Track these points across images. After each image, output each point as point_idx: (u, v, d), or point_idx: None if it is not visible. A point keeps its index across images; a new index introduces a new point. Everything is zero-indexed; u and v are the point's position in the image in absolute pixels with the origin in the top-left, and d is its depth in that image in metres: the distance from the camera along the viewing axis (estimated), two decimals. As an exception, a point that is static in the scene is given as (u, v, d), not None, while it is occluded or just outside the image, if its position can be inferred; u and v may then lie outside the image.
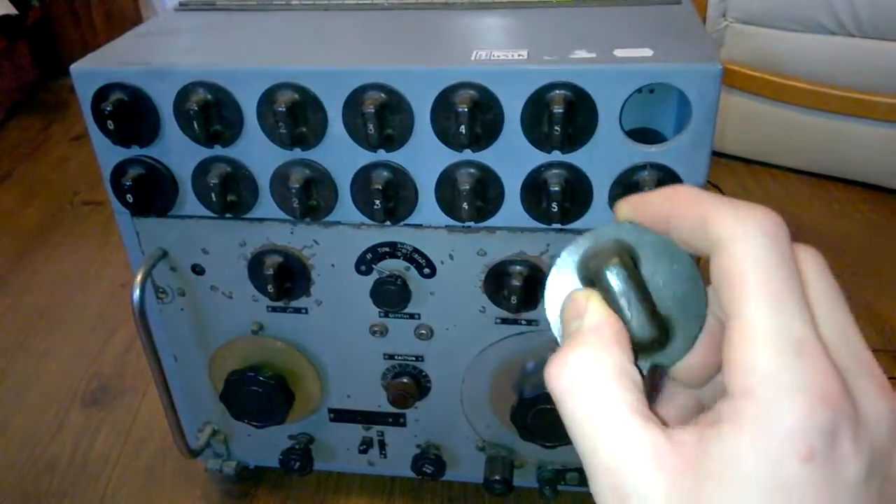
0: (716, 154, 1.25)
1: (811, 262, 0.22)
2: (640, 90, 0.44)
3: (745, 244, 0.20)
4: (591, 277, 0.24)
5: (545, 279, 0.25)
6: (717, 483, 0.19)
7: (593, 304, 0.23)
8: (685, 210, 0.22)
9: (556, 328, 0.25)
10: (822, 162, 1.16)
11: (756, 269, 0.20)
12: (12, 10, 1.59)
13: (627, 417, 0.20)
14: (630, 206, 0.24)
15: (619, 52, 0.44)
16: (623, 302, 0.23)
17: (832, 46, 1.06)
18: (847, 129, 1.10)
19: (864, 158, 1.11)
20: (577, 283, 0.25)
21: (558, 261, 0.25)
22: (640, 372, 0.22)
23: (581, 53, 0.45)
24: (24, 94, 1.72)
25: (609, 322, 0.22)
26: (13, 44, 1.68)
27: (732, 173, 1.23)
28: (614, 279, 0.23)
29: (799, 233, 1.10)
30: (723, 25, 1.15)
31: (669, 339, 0.24)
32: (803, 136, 1.15)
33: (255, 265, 0.55)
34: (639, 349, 0.23)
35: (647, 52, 0.44)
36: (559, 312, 0.25)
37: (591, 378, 0.21)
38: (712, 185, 1.14)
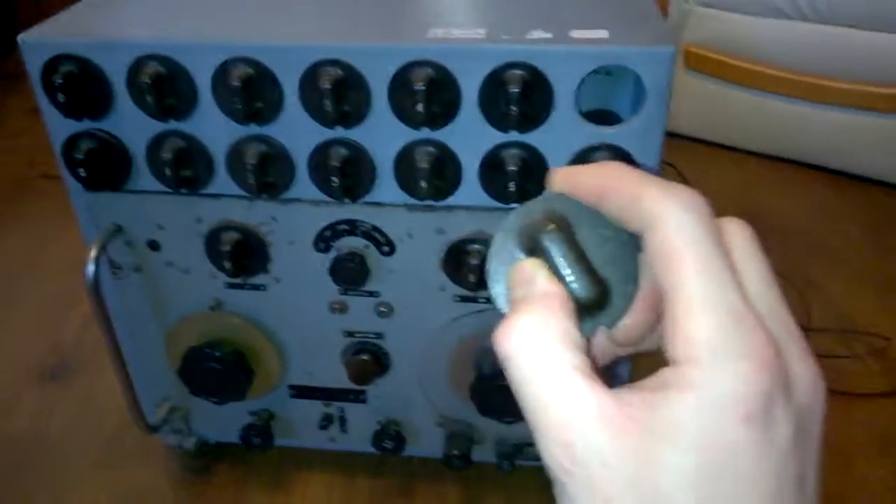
0: (676, 136, 1.27)
1: (739, 233, 0.23)
2: (597, 71, 0.45)
3: (676, 221, 0.21)
4: (532, 246, 0.25)
5: (485, 256, 0.26)
6: (662, 443, 0.20)
7: (539, 272, 0.24)
8: (617, 188, 0.23)
9: (500, 301, 0.26)
10: (781, 145, 1.18)
11: (689, 244, 0.21)
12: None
13: (573, 377, 0.21)
14: (562, 177, 0.25)
15: (575, 34, 0.45)
16: (562, 264, 0.24)
17: (792, 31, 1.08)
18: (805, 113, 1.11)
19: (821, 142, 1.13)
20: (519, 255, 0.26)
21: (497, 237, 0.26)
22: (587, 336, 0.23)
23: (538, 33, 0.45)
24: (-21, 63, 1.67)
25: (553, 289, 0.24)
26: (-33, 11, 1.63)
27: (693, 155, 1.24)
28: (552, 244, 0.24)
29: (755, 214, 1.12)
30: (686, 8, 1.16)
31: (608, 301, 0.25)
32: (763, 120, 1.16)
33: (212, 241, 0.54)
34: (583, 310, 0.25)
35: (603, 34, 0.44)
36: (503, 284, 0.26)
37: (537, 341, 0.22)
38: (669, 166, 1.15)
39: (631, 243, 0.25)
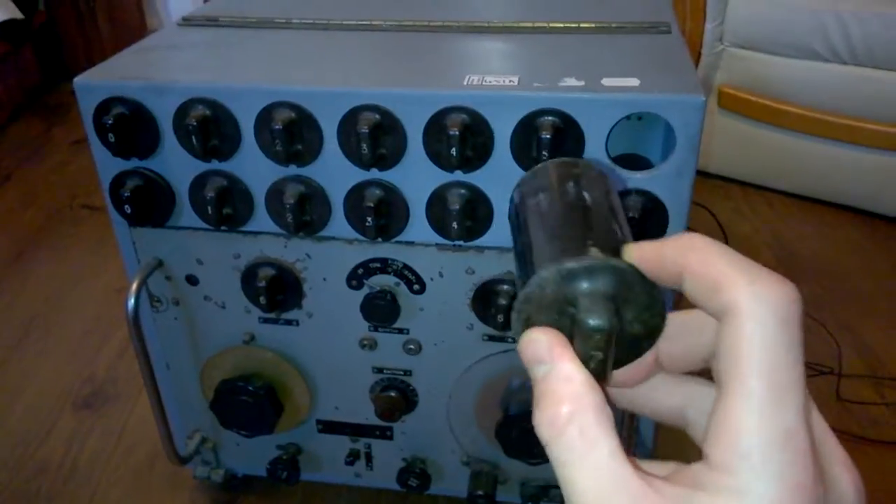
0: (710, 176, 1.27)
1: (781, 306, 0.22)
2: (628, 117, 0.45)
3: (757, 324, 0.20)
4: (573, 302, 0.24)
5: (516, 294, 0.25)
6: None
7: (567, 360, 0.23)
8: (699, 269, 0.22)
9: (514, 328, 0.25)
10: (814, 186, 1.18)
11: (764, 353, 0.20)
12: (18, 14, 1.61)
13: (611, 465, 0.21)
14: (641, 254, 0.24)
15: (606, 81, 0.46)
16: (592, 353, 0.23)
17: (826, 73, 1.08)
18: (838, 154, 1.11)
19: (854, 183, 1.13)
20: (550, 316, 0.24)
21: (547, 273, 0.24)
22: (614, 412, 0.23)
23: (570, 81, 0.46)
24: (27, 97, 1.74)
25: (584, 373, 0.23)
26: (18, 48, 1.70)
27: (726, 196, 1.24)
28: (596, 336, 0.23)
29: (787, 255, 1.11)
30: (719, 49, 1.17)
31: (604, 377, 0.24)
32: (796, 161, 1.16)
33: (249, 277, 0.56)
34: None
35: (634, 82, 0.45)
36: (521, 323, 0.24)
37: (575, 428, 0.21)
38: (702, 207, 1.16)
39: (661, 326, 0.24)
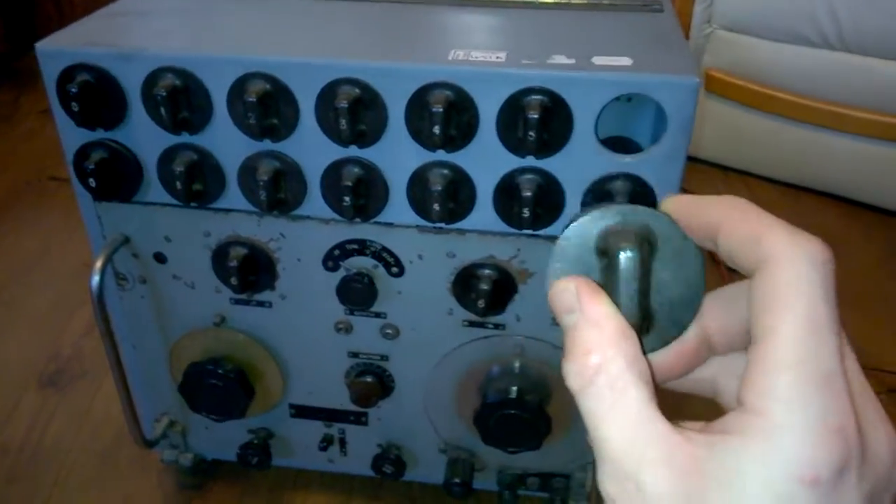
0: (692, 160, 1.26)
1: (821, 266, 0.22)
2: (617, 98, 0.44)
3: (795, 268, 0.21)
4: (605, 249, 0.24)
5: (566, 228, 0.24)
6: (720, 489, 0.19)
7: (600, 301, 0.23)
8: (739, 223, 0.22)
9: (551, 275, 0.25)
10: (797, 173, 1.18)
11: (801, 294, 0.20)
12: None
13: (641, 413, 0.21)
14: (679, 205, 0.24)
15: (597, 60, 0.44)
16: (623, 287, 0.23)
17: (814, 59, 1.07)
18: (824, 141, 1.11)
19: (838, 171, 1.13)
20: (589, 257, 0.24)
21: (583, 219, 0.24)
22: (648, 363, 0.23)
23: (560, 59, 0.44)
24: (-6, 63, 1.68)
25: (616, 319, 0.22)
26: (-16, 11, 1.64)
27: (709, 180, 1.23)
28: (627, 264, 0.23)
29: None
30: (707, 31, 1.16)
31: (645, 333, 0.24)
32: (780, 146, 1.16)
33: (220, 256, 0.53)
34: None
35: (626, 62, 0.44)
36: (560, 268, 0.25)
37: (606, 377, 0.21)
38: (684, 191, 1.15)
39: (703, 292, 0.24)
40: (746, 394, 0.20)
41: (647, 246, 0.23)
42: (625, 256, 0.23)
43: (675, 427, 0.21)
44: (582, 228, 0.24)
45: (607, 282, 0.24)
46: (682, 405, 0.25)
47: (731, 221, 0.22)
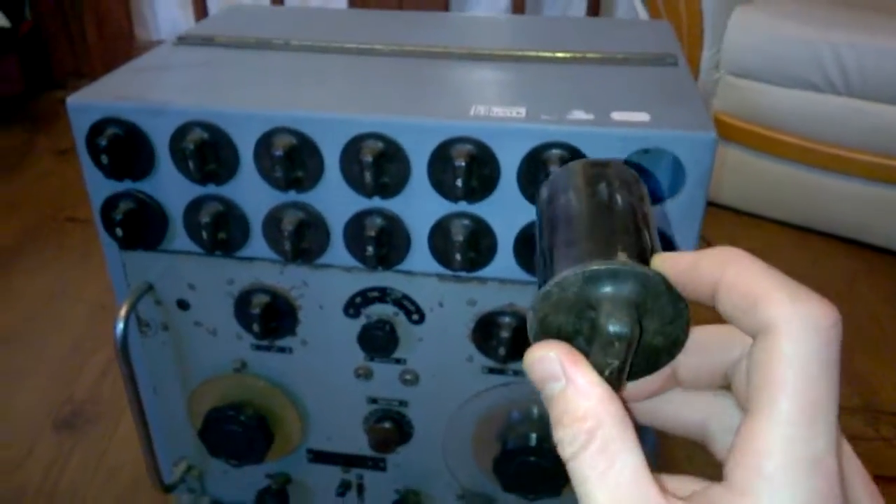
0: (703, 202, 1.27)
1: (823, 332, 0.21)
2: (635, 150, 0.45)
3: (795, 344, 0.19)
4: (594, 308, 0.23)
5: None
6: None
7: (586, 370, 0.22)
8: (737, 283, 0.21)
9: (531, 330, 0.24)
10: (808, 216, 1.19)
11: (799, 372, 0.19)
12: (5, 23, 1.59)
13: (631, 480, 0.20)
14: (675, 265, 0.23)
15: (616, 116, 0.45)
16: (607, 358, 0.22)
17: (822, 104, 1.09)
18: (831, 184, 1.12)
19: (847, 214, 1.14)
20: (577, 300, 0.23)
21: (575, 270, 0.23)
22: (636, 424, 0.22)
23: (579, 114, 0.45)
24: (10, 106, 1.71)
25: (602, 385, 0.22)
26: (2, 55, 1.67)
27: (718, 222, 1.24)
28: (617, 345, 0.22)
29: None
30: (716, 77, 1.18)
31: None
32: (790, 190, 1.17)
33: (242, 303, 0.54)
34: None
35: (644, 117, 0.45)
36: (536, 328, 0.24)
37: (596, 446, 0.21)
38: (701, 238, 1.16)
39: (683, 341, 0.24)
40: (734, 470, 0.20)
41: (637, 328, 0.22)
42: (615, 334, 0.22)
43: (665, 496, 0.20)
44: (574, 279, 0.23)
45: (591, 337, 0.23)
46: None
47: (729, 281, 0.21)
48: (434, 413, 0.58)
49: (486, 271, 0.50)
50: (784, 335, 0.19)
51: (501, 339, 0.51)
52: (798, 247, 1.17)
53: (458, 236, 0.48)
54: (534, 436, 0.54)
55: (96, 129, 0.48)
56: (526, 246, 0.49)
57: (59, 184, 1.41)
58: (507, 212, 0.48)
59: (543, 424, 0.55)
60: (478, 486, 0.61)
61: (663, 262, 0.23)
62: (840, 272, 1.10)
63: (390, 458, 0.61)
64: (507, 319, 0.52)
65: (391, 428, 0.58)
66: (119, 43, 1.93)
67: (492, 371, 0.55)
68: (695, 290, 0.22)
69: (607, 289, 0.22)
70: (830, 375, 0.19)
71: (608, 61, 0.56)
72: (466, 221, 0.48)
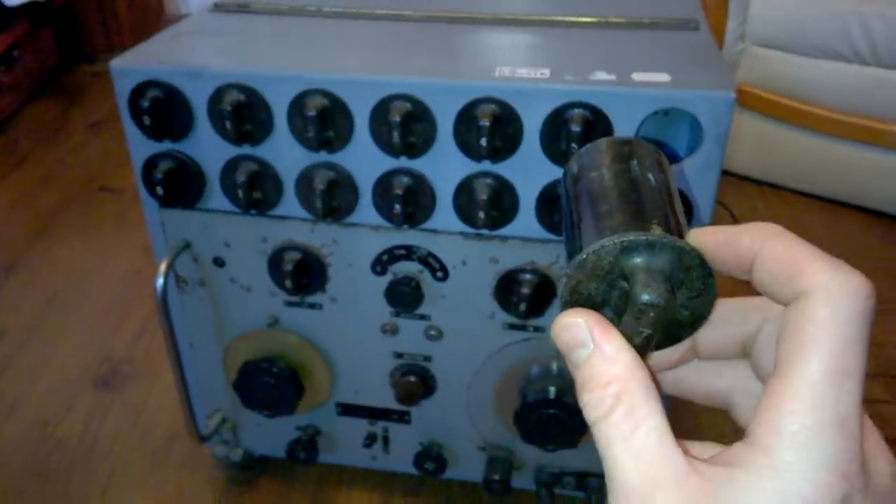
0: (727, 174, 1.27)
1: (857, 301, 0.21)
2: (655, 112, 0.46)
3: (832, 305, 0.20)
4: (626, 279, 0.23)
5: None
6: None
7: (614, 337, 0.23)
8: (779, 254, 0.22)
9: (560, 299, 0.25)
10: (832, 187, 1.18)
11: (833, 335, 0.20)
12: (39, -4, 1.62)
13: (655, 442, 0.21)
14: (714, 237, 0.23)
15: (637, 76, 0.46)
16: (638, 326, 0.23)
17: (848, 74, 1.08)
18: (858, 155, 1.11)
19: (873, 185, 1.13)
20: (602, 286, 0.24)
21: (606, 245, 0.23)
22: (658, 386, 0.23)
23: (601, 75, 0.47)
24: (45, 78, 1.75)
25: (630, 352, 0.22)
26: (37, 29, 1.71)
27: (743, 194, 1.24)
28: (651, 314, 0.23)
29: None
30: (740, 48, 1.17)
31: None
32: (814, 161, 1.17)
33: (275, 261, 0.57)
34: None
35: (665, 77, 0.46)
36: (569, 291, 0.24)
37: (621, 408, 0.21)
38: (722, 206, 1.16)
39: (706, 316, 0.25)
40: (756, 427, 0.20)
41: (672, 298, 0.23)
42: (649, 302, 0.23)
43: (688, 458, 0.21)
44: (612, 248, 0.23)
45: (620, 305, 0.24)
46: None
47: (770, 252, 0.22)
48: (457, 367, 0.60)
49: (508, 230, 0.52)
50: (822, 300, 0.20)
51: (522, 296, 0.53)
52: (822, 218, 1.17)
53: (482, 195, 0.50)
54: (552, 389, 0.56)
55: (138, 91, 0.51)
56: (547, 205, 0.50)
57: (91, 155, 1.45)
58: (530, 171, 0.49)
59: (562, 379, 0.57)
60: (498, 437, 0.63)
61: (701, 235, 0.24)
62: (864, 243, 1.10)
63: (414, 412, 0.64)
64: (528, 276, 0.54)
65: (416, 381, 0.61)
66: (149, 17, 1.95)
67: (512, 327, 0.57)
68: (732, 262, 0.23)
69: (643, 259, 0.23)
70: (861, 342, 0.20)
71: (632, 26, 0.57)
72: (490, 180, 0.50)
